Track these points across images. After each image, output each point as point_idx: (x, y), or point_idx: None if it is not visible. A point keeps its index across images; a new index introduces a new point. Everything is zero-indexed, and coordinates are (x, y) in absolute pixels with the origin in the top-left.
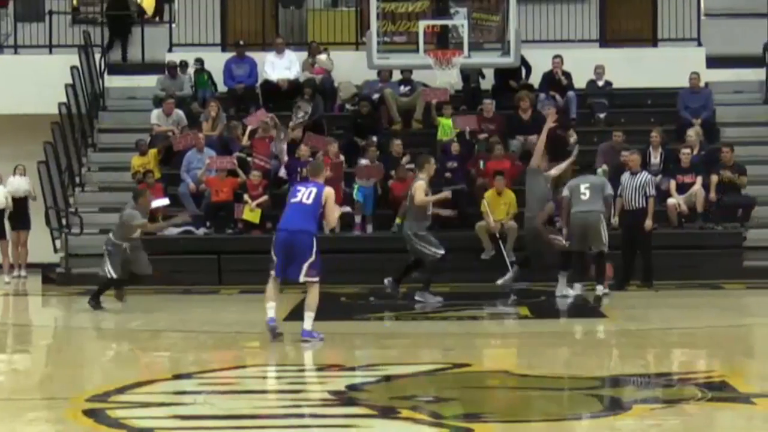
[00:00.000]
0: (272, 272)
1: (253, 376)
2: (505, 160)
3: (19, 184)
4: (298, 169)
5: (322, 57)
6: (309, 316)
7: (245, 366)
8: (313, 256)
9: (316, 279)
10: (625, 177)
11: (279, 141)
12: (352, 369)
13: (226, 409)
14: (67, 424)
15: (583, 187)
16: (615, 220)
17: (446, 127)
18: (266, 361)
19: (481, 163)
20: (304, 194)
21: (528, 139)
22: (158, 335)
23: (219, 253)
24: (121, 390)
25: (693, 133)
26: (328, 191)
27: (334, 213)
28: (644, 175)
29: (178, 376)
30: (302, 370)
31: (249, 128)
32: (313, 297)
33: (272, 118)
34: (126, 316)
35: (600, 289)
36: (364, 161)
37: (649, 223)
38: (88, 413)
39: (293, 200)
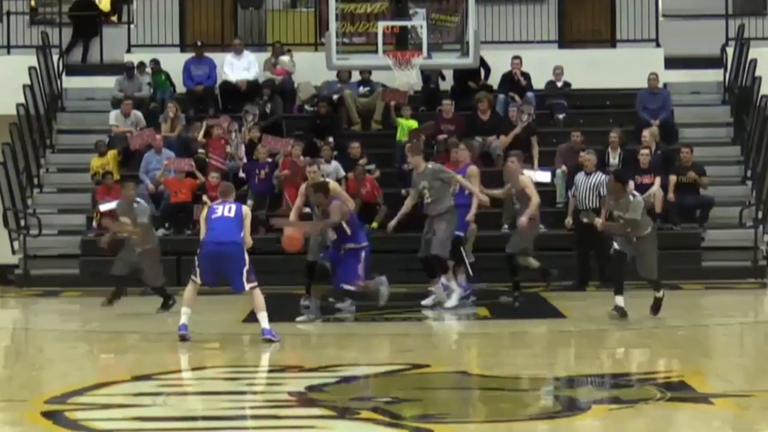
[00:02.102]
0: (194, 277)
1: (212, 378)
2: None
3: None
4: (257, 171)
5: (285, 58)
6: (263, 316)
7: (204, 368)
8: (247, 264)
9: (256, 283)
10: (580, 177)
11: (235, 142)
12: (312, 370)
13: (185, 411)
14: (26, 426)
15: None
16: (569, 221)
17: (405, 127)
18: (225, 362)
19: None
20: (225, 209)
21: (487, 140)
22: (117, 337)
23: (178, 255)
24: (80, 392)
25: (648, 134)
26: (246, 210)
27: (249, 232)
28: (599, 176)
29: (137, 378)
30: (261, 372)
31: (203, 127)
32: (259, 299)
33: (232, 123)
34: (84, 318)
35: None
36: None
37: (600, 221)
38: (47, 415)
39: (215, 216)
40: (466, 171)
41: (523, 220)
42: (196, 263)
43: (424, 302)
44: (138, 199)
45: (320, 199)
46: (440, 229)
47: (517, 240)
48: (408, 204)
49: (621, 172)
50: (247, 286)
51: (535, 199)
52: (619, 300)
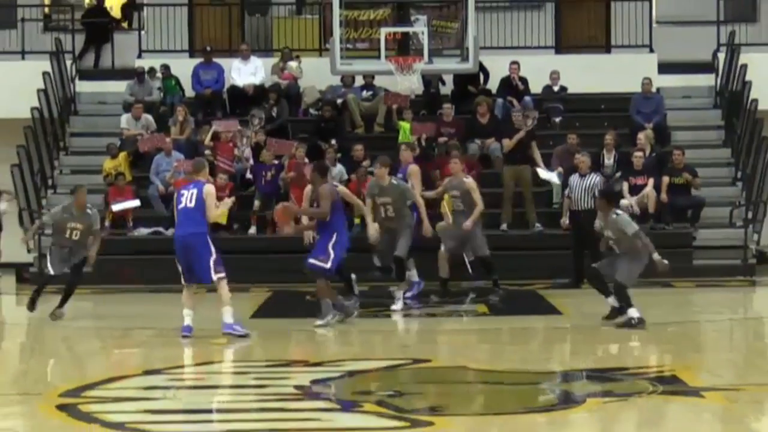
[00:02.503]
0: (183, 282)
1: (220, 372)
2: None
3: None
4: (263, 173)
5: (293, 63)
6: (227, 310)
7: (213, 362)
8: (214, 254)
9: (224, 274)
10: (574, 179)
11: (242, 145)
12: (317, 365)
13: (194, 404)
14: (41, 418)
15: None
16: (564, 221)
17: (407, 130)
18: (233, 357)
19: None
20: (187, 198)
21: (486, 142)
22: (129, 333)
23: None
24: (93, 385)
25: (643, 137)
26: (207, 188)
27: (212, 210)
28: (593, 177)
29: (148, 372)
30: (268, 366)
31: (212, 130)
32: (225, 292)
33: (239, 128)
34: (97, 315)
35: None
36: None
37: (598, 223)
38: (62, 408)
39: (180, 206)
40: (407, 170)
41: (467, 224)
42: (177, 264)
43: (393, 307)
44: (89, 206)
45: (314, 177)
46: (401, 237)
47: (479, 243)
48: (372, 217)
49: (607, 189)
50: (215, 277)
51: (480, 206)
52: (611, 301)
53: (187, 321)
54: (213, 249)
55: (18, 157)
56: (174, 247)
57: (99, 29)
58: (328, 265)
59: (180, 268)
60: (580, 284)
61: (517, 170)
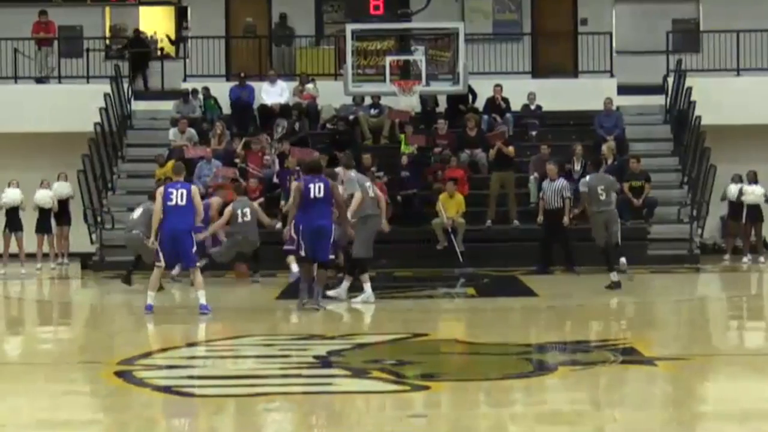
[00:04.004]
0: (158, 263)
1: (250, 344)
2: (459, 170)
3: (63, 188)
4: (288, 177)
5: (310, 86)
6: (202, 293)
7: (244, 336)
8: (195, 246)
9: (201, 263)
10: (546, 183)
11: (270, 154)
12: (332, 338)
13: (228, 371)
14: (102, 383)
15: (599, 189)
16: (540, 218)
17: (406, 141)
18: (261, 331)
19: (438, 173)
20: (177, 196)
21: (474, 152)
22: (174, 311)
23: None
24: (145, 355)
25: (605, 148)
26: (195, 189)
27: (200, 207)
28: (561, 182)
29: (190, 344)
30: (291, 339)
31: (243, 141)
32: (199, 278)
33: (267, 139)
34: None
35: (613, 275)
36: (337, 170)
37: (566, 219)
38: (119, 374)
39: (170, 203)
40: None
41: (350, 231)
42: (158, 249)
43: (355, 300)
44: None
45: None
46: (359, 231)
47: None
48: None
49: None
50: (200, 264)
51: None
52: (613, 275)
53: (150, 300)
54: (194, 241)
55: (83, 164)
56: (163, 237)
57: (140, 57)
58: (293, 247)
59: (162, 254)
60: (547, 270)
61: (502, 175)
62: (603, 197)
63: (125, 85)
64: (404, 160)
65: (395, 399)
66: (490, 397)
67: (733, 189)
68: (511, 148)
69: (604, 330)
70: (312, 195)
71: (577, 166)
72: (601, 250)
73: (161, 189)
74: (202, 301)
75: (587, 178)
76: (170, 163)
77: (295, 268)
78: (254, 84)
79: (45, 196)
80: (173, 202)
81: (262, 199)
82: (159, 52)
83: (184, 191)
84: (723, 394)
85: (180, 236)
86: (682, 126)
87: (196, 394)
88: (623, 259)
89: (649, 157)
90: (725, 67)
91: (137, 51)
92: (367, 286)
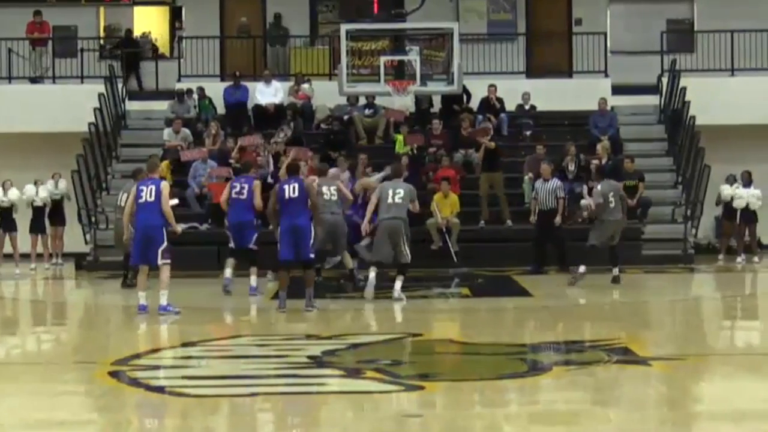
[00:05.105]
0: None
1: (245, 344)
2: (450, 169)
3: (57, 188)
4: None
5: (306, 86)
6: (164, 293)
7: (239, 336)
8: (165, 243)
9: (168, 261)
10: (539, 183)
11: (265, 155)
12: (327, 338)
13: (223, 371)
14: (96, 383)
15: (610, 196)
16: (533, 218)
17: (401, 142)
18: (256, 332)
19: (430, 174)
20: (147, 193)
21: (468, 152)
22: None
23: (218, 245)
24: (139, 355)
25: (601, 147)
26: (164, 185)
27: (166, 202)
28: (554, 182)
29: (185, 344)
30: (285, 339)
31: (239, 143)
32: (166, 276)
33: (262, 140)
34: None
35: (616, 271)
36: (333, 170)
37: (558, 219)
38: (113, 374)
39: (140, 201)
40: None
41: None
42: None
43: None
44: None
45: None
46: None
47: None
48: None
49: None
50: (160, 262)
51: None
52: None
53: (142, 300)
54: (165, 238)
55: (77, 164)
56: (135, 237)
57: (131, 57)
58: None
59: (134, 251)
60: (540, 270)
61: (491, 176)
62: (612, 204)
63: (119, 85)
64: (404, 160)
65: (390, 399)
66: (484, 397)
67: (726, 191)
68: (492, 143)
69: (598, 330)
70: (287, 196)
71: (572, 167)
72: (590, 246)
73: (134, 188)
74: (162, 301)
75: (599, 187)
76: (165, 163)
77: (254, 281)
78: (249, 84)
79: (42, 191)
80: (143, 199)
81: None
82: (152, 53)
83: (154, 187)
84: (717, 394)
85: (150, 232)
86: (677, 126)
87: (190, 395)
88: (582, 268)
89: (644, 157)
90: (719, 67)
91: (129, 51)
92: (372, 276)
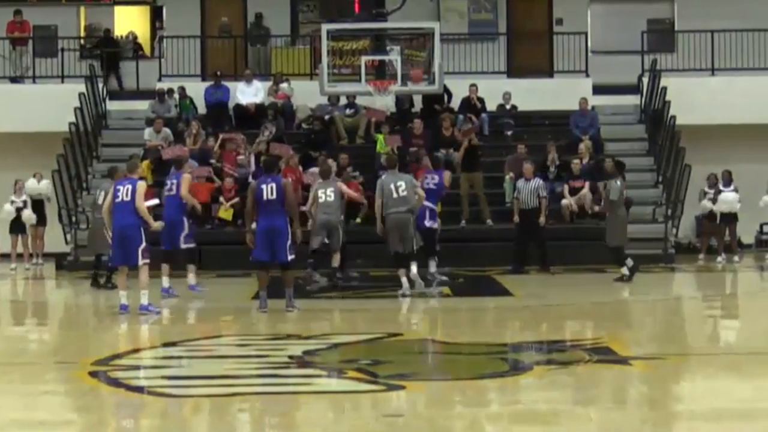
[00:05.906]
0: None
1: (227, 344)
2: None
3: (37, 188)
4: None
5: (285, 85)
6: (144, 293)
7: (221, 336)
8: (143, 243)
9: (148, 261)
10: (521, 183)
11: (246, 153)
12: (308, 338)
13: (204, 371)
14: (76, 383)
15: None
16: (516, 218)
17: (382, 142)
18: (238, 331)
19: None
20: (123, 193)
21: (449, 151)
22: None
23: (199, 244)
24: (119, 356)
25: (583, 147)
26: (140, 184)
27: (141, 202)
28: (536, 181)
29: (166, 345)
30: (267, 339)
31: (219, 139)
32: (145, 278)
33: (243, 138)
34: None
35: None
36: (314, 169)
37: (542, 219)
38: (93, 374)
39: (117, 201)
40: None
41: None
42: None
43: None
44: None
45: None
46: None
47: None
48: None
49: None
50: (141, 262)
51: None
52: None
53: (123, 300)
54: (143, 238)
55: (58, 164)
56: (113, 237)
57: (111, 56)
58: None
59: (114, 253)
60: (521, 270)
61: (470, 176)
62: (619, 202)
63: (100, 85)
64: (384, 159)
65: (371, 399)
66: (465, 397)
67: (707, 205)
68: (475, 139)
69: (579, 329)
70: (265, 197)
71: (553, 166)
72: (614, 250)
73: (112, 188)
74: (143, 301)
75: (618, 183)
76: (145, 163)
77: (192, 279)
78: (230, 84)
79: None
80: (120, 199)
81: (237, 199)
82: (132, 53)
83: (130, 187)
84: (697, 394)
85: (126, 232)
86: (657, 126)
87: (171, 395)
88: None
89: (624, 157)
90: (700, 67)
91: (109, 51)
92: (404, 280)
